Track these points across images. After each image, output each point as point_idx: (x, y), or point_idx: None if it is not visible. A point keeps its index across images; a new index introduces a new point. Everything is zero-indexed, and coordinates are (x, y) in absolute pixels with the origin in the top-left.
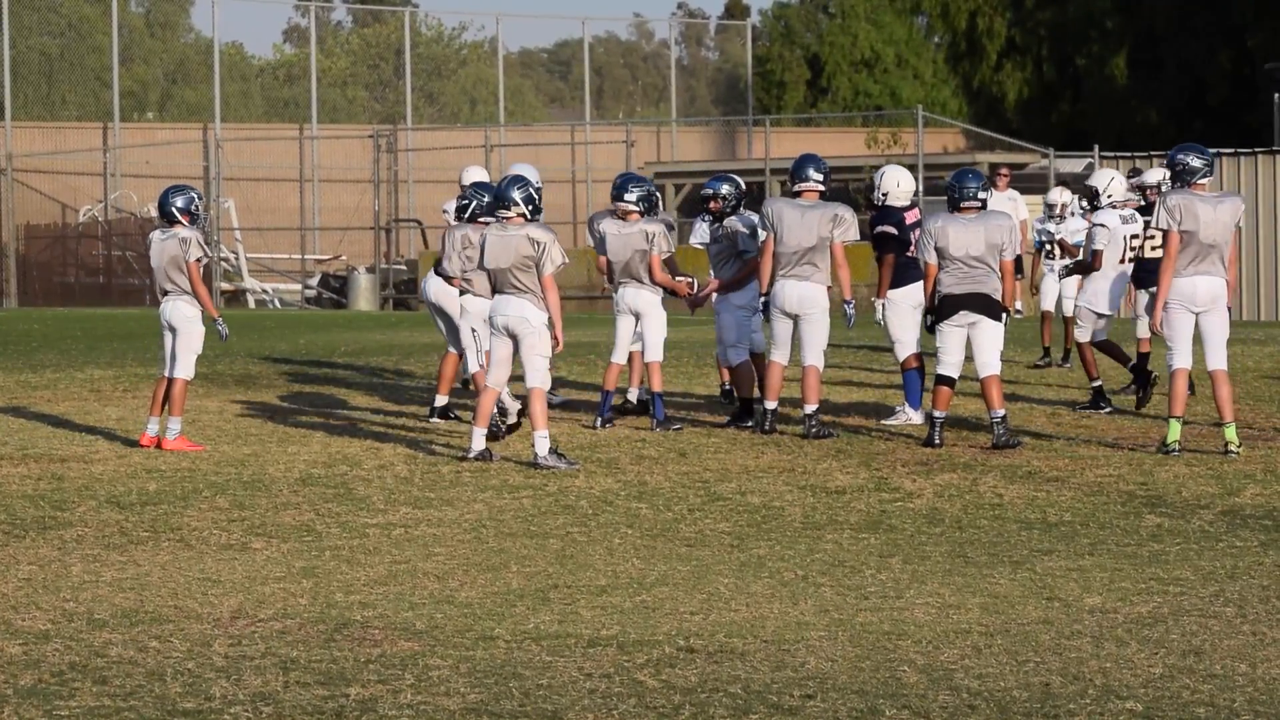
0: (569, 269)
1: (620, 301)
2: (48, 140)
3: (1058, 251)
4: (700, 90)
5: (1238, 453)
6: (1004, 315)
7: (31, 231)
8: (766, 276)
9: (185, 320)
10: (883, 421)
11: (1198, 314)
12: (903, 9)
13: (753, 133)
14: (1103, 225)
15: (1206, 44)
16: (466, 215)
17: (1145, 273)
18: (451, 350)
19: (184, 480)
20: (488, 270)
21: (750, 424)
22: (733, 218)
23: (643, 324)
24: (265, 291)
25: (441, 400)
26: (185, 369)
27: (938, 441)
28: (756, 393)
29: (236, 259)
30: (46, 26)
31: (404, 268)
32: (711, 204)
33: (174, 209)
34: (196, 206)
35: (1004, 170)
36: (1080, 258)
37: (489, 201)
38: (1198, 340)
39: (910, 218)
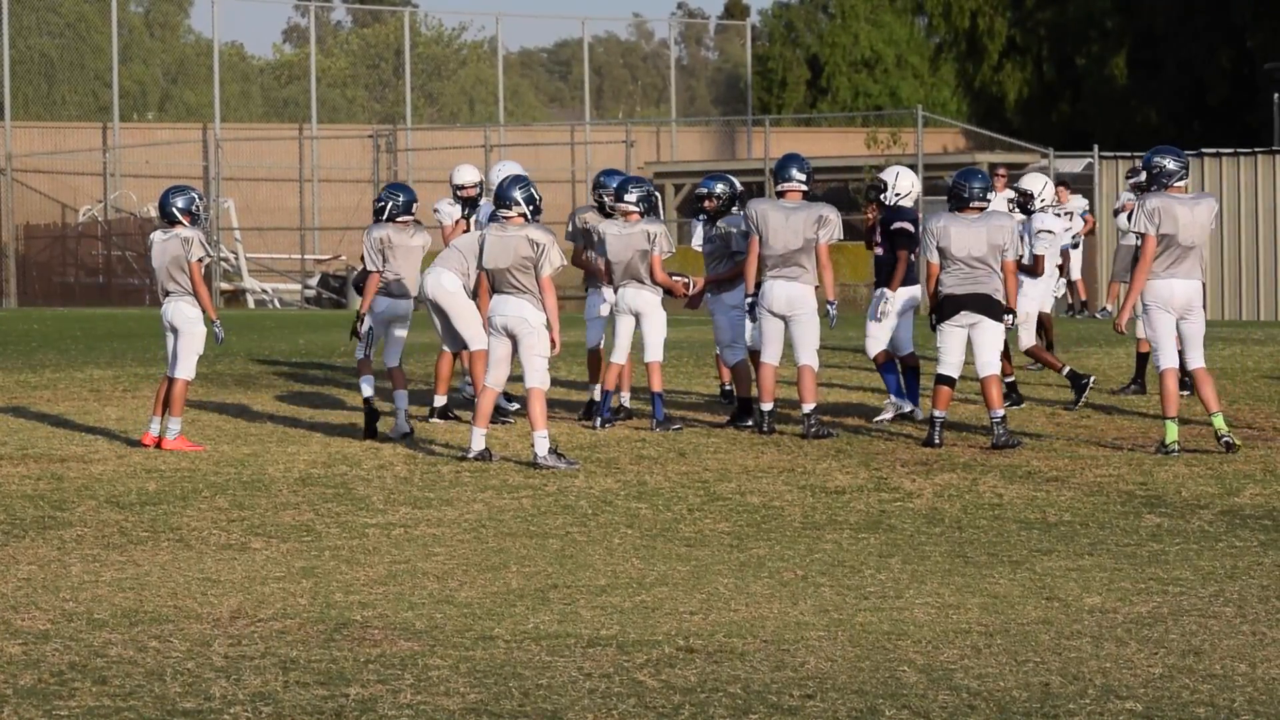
0: (567, 270)
1: (620, 302)
2: (47, 140)
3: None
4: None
5: (1230, 438)
6: (1009, 316)
7: (31, 231)
8: (752, 278)
9: (187, 321)
10: (875, 420)
11: (1178, 317)
12: (903, 9)
13: (752, 133)
14: (1049, 230)
15: (1206, 44)
16: (385, 216)
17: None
18: (446, 350)
19: (184, 480)
20: (486, 270)
21: (749, 424)
22: (727, 217)
23: (643, 324)
24: (265, 291)
25: (440, 400)
26: (186, 369)
27: (937, 441)
28: (755, 392)
29: (236, 259)
30: (46, 26)
31: None
32: (706, 203)
33: (175, 209)
34: (197, 207)
35: (1001, 171)
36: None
37: (404, 201)
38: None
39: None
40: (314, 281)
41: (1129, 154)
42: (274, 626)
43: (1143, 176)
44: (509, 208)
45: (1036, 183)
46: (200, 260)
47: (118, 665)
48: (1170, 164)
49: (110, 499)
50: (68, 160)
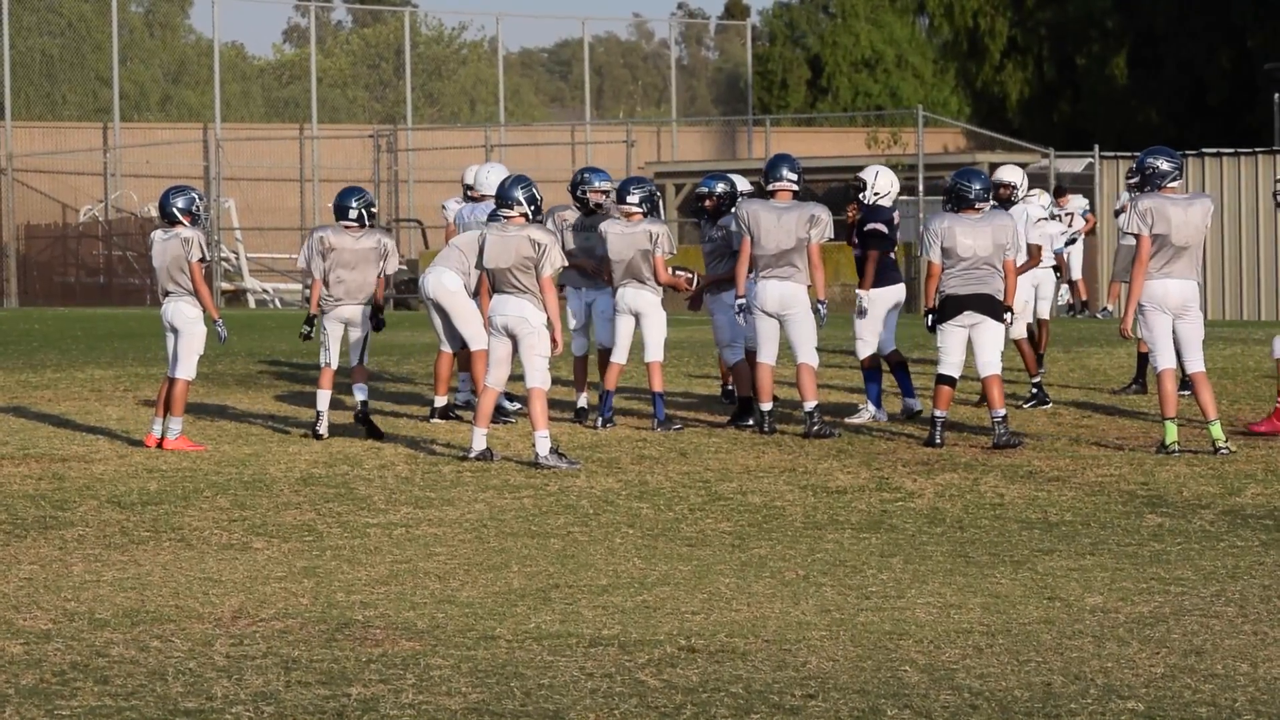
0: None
1: (620, 302)
2: (48, 140)
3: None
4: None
5: (1227, 448)
6: (1008, 315)
7: (32, 231)
8: (743, 279)
9: (187, 321)
10: (845, 419)
11: (1174, 317)
12: (904, 9)
13: (753, 133)
14: (1043, 218)
15: (1206, 44)
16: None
17: None
18: (445, 350)
19: (185, 480)
20: (487, 270)
21: (750, 423)
22: (727, 216)
23: (643, 325)
24: (266, 291)
25: (441, 401)
26: (187, 369)
27: (938, 441)
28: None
29: (237, 259)
30: (47, 26)
31: (404, 268)
32: (705, 202)
33: (175, 209)
34: (198, 207)
35: None
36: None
37: (338, 205)
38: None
39: (896, 216)
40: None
41: (1129, 154)
42: (276, 626)
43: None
44: (510, 207)
45: (1015, 174)
46: (200, 261)
47: (119, 665)
48: (1163, 164)
49: (112, 499)
50: (68, 160)
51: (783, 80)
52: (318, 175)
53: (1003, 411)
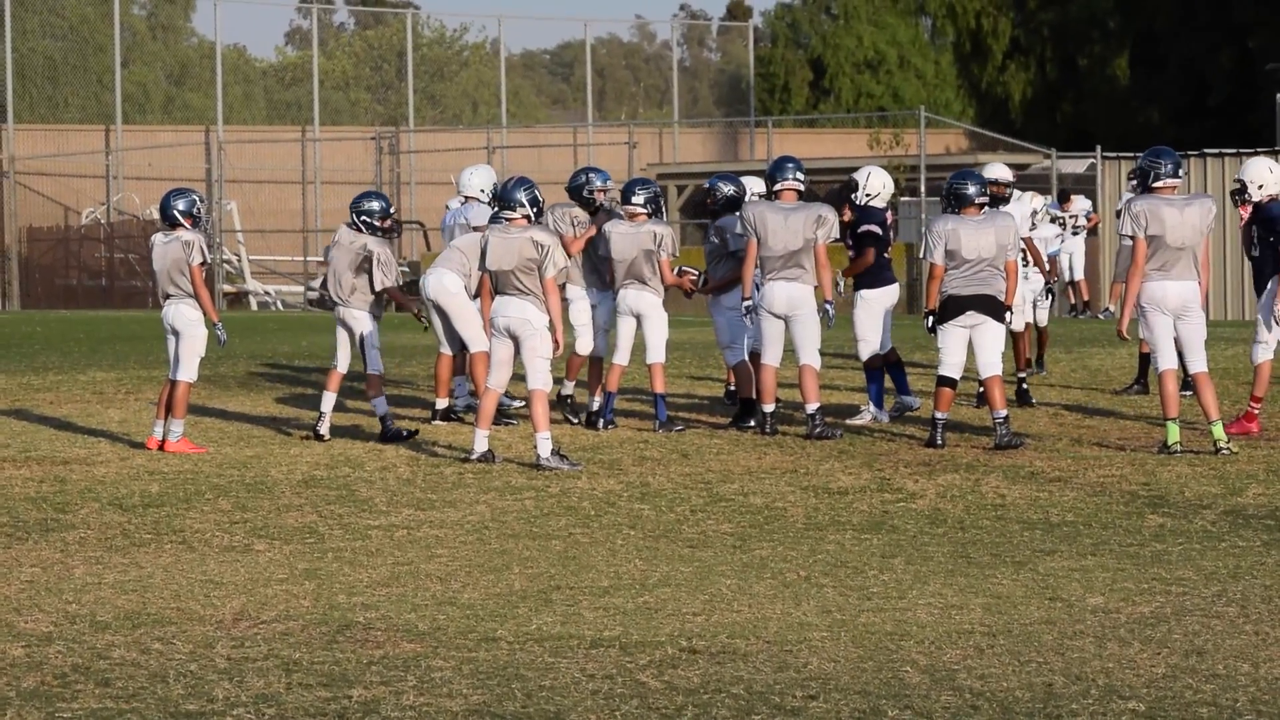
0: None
1: (621, 303)
2: (50, 143)
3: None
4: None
5: (1228, 449)
6: (1008, 314)
7: (34, 234)
8: (750, 281)
9: (188, 323)
10: (847, 421)
11: (1175, 318)
12: (906, 10)
13: (755, 134)
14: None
15: (1208, 44)
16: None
17: None
18: (445, 351)
19: (186, 482)
20: (489, 272)
21: (752, 424)
22: (727, 218)
23: (644, 326)
24: (268, 293)
25: (442, 403)
26: (188, 372)
27: (940, 442)
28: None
29: (239, 261)
30: (49, 29)
31: (406, 269)
32: (708, 200)
33: (176, 212)
34: (198, 209)
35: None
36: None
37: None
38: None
39: (890, 216)
40: (316, 283)
41: (1131, 154)
42: (277, 628)
43: (987, 170)
44: (512, 209)
45: (1006, 171)
46: (201, 264)
47: (121, 667)
48: (1160, 166)
49: (113, 501)
50: (70, 163)
51: (786, 85)
52: (320, 177)
53: (1004, 412)
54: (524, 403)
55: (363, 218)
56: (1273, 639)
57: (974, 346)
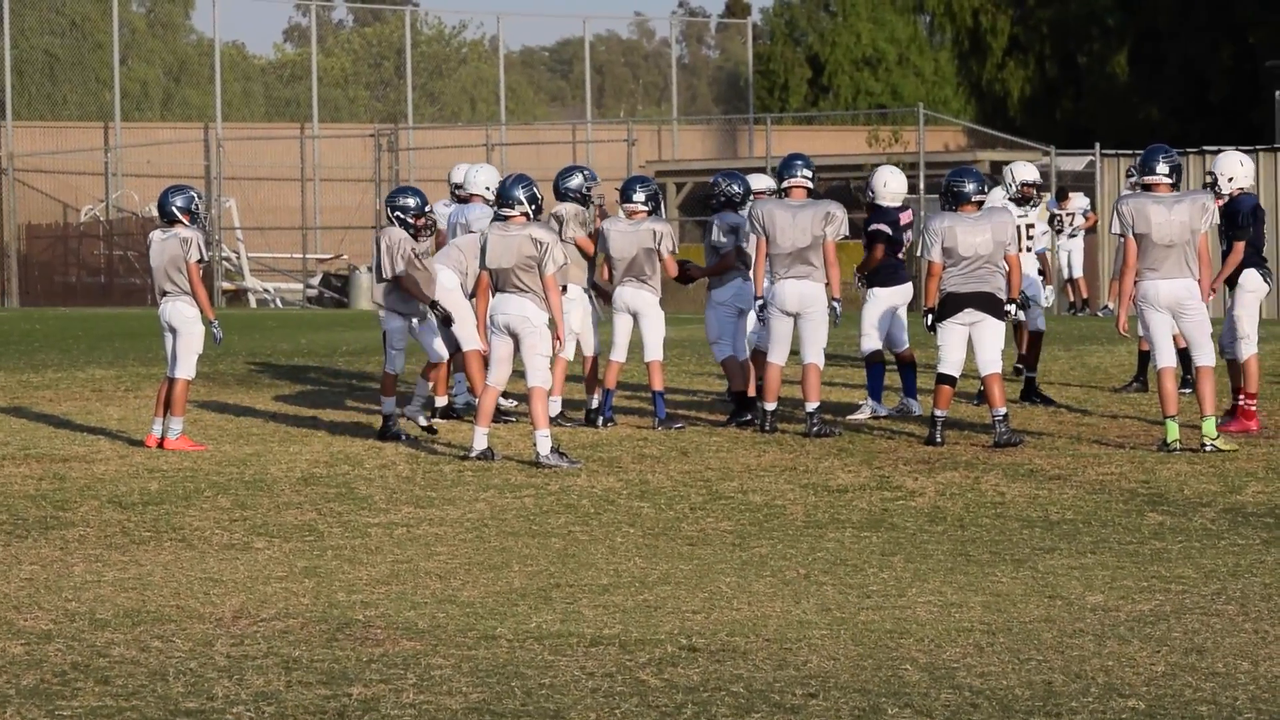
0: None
1: (618, 300)
2: (49, 140)
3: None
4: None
5: (1214, 446)
6: (1014, 307)
7: (33, 231)
8: (761, 279)
9: (185, 321)
10: (847, 417)
11: (1174, 315)
12: (904, 7)
13: (754, 131)
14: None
15: (1208, 41)
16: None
17: None
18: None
19: (186, 480)
20: (489, 270)
21: (748, 418)
22: (725, 214)
23: (641, 324)
24: (267, 291)
25: (441, 401)
26: (186, 369)
27: (939, 440)
28: (753, 389)
29: (238, 258)
30: (48, 26)
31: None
32: (710, 199)
33: (174, 209)
34: (196, 206)
35: None
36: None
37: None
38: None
39: (905, 217)
40: (316, 281)
41: (1131, 152)
42: (276, 626)
43: (1012, 171)
44: (512, 207)
45: (1034, 173)
46: (198, 262)
47: (120, 665)
48: (1152, 164)
49: (113, 499)
50: (69, 160)
51: (785, 83)
52: (318, 175)
53: (1004, 410)
54: (519, 402)
55: (396, 213)
56: (1272, 637)
57: (973, 344)
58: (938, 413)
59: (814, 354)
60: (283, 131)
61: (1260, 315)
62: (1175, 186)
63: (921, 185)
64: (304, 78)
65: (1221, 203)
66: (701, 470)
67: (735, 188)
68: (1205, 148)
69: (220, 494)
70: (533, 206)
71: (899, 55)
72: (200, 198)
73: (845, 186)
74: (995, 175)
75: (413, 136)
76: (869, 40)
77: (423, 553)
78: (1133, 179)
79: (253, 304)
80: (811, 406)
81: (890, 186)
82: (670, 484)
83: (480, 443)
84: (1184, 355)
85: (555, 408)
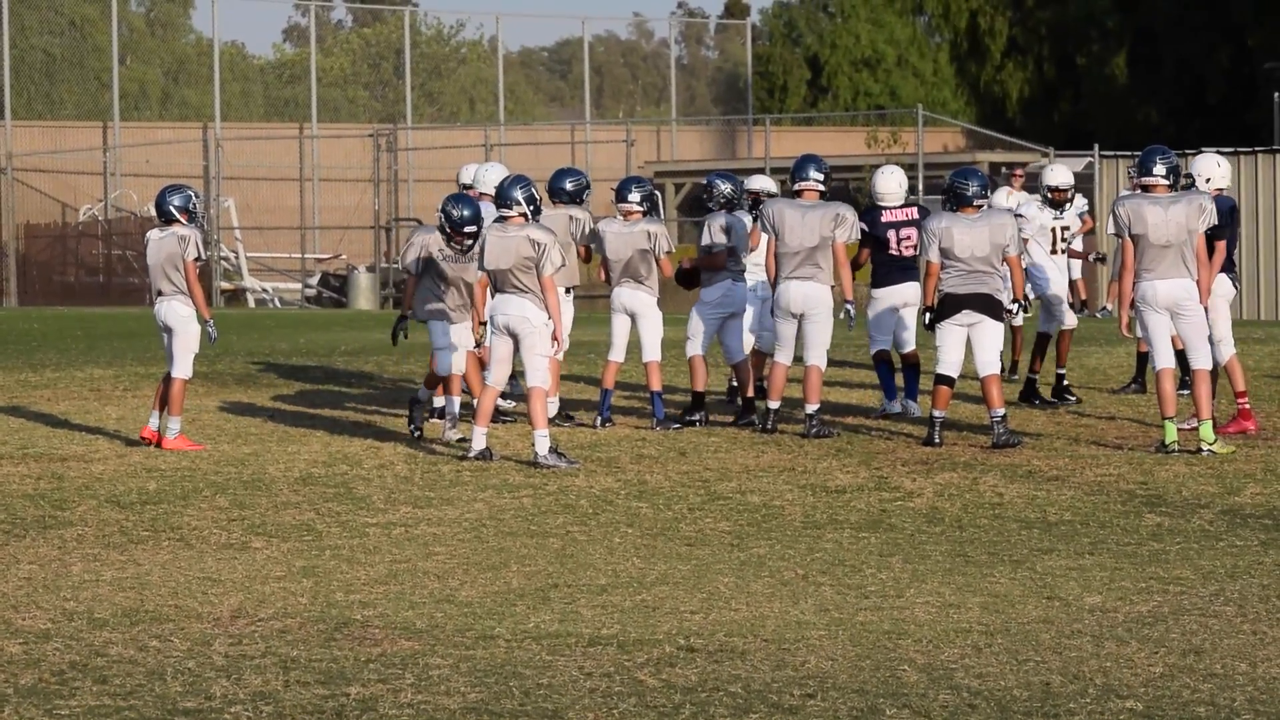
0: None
1: (615, 301)
2: (48, 139)
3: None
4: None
5: (1211, 450)
6: (1016, 306)
7: (31, 231)
8: (773, 278)
9: (181, 320)
10: (874, 415)
11: (1172, 316)
12: (903, 9)
13: (753, 132)
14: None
15: (1206, 43)
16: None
17: None
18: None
19: (184, 479)
20: (488, 271)
21: (695, 420)
22: (716, 214)
23: (639, 325)
24: (265, 291)
25: (439, 401)
26: (183, 368)
27: (937, 441)
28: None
29: (236, 258)
30: (47, 26)
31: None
32: (705, 196)
33: (171, 208)
34: (194, 205)
35: (1019, 171)
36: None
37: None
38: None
39: (899, 215)
40: (314, 281)
41: (1129, 153)
42: (274, 626)
43: (1045, 176)
44: (510, 207)
45: (1067, 176)
46: (195, 260)
47: (118, 664)
48: (1150, 165)
49: (111, 498)
50: (68, 159)
51: (784, 84)
52: (317, 174)
53: (1002, 411)
54: (518, 402)
55: (440, 215)
56: (1270, 638)
57: (972, 345)
58: (936, 413)
59: (816, 356)
60: (281, 131)
61: (1258, 316)
62: (1173, 188)
63: (920, 187)
64: (303, 78)
65: None
66: (700, 471)
67: (728, 188)
68: (1204, 149)
69: (218, 494)
70: (530, 207)
71: (898, 56)
72: (197, 197)
73: (845, 188)
74: (994, 176)
75: (411, 137)
76: (868, 41)
77: (421, 553)
78: (1134, 180)
79: (251, 304)
80: (811, 408)
81: (879, 187)
82: (668, 484)
83: (478, 443)
84: (1182, 356)
85: (553, 408)
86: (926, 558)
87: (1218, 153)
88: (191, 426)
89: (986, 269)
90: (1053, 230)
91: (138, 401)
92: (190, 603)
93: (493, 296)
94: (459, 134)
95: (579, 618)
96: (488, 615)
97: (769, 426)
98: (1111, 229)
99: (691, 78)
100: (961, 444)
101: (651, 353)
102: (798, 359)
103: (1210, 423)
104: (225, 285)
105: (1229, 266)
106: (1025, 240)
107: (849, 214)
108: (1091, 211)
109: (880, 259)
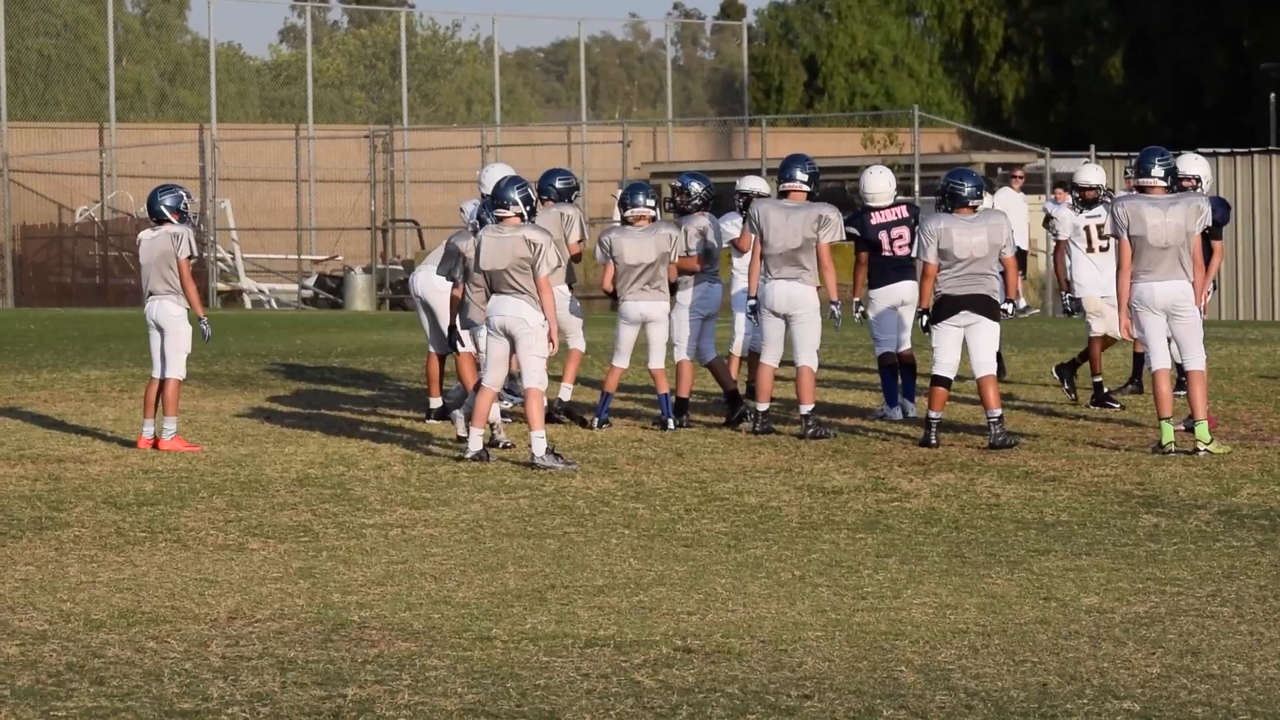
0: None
1: (633, 311)
2: (44, 140)
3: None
4: (696, 90)
5: (1208, 450)
6: (1011, 306)
7: (28, 232)
8: (756, 279)
9: (171, 320)
10: (875, 419)
11: (1168, 317)
12: (899, 10)
13: (749, 133)
14: (1055, 219)
15: (1202, 44)
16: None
17: None
18: (433, 350)
19: (181, 481)
20: (484, 271)
21: (672, 426)
22: (690, 216)
23: (651, 331)
24: (262, 292)
25: (436, 402)
26: (176, 369)
27: (934, 442)
28: (740, 395)
29: (233, 259)
30: (43, 27)
31: (400, 268)
32: (678, 198)
33: (163, 208)
34: (185, 205)
35: (1018, 172)
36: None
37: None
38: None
39: (889, 215)
40: (311, 282)
41: (1125, 154)
42: (271, 627)
43: (1080, 176)
44: (506, 208)
45: (1098, 175)
46: (189, 258)
47: (115, 666)
48: (1149, 166)
49: (107, 499)
50: (64, 160)
51: (780, 85)
52: (314, 176)
53: (998, 412)
54: (516, 402)
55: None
56: (1267, 639)
57: (968, 346)
58: (933, 414)
59: (806, 356)
60: (278, 132)
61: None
62: (1170, 189)
63: (916, 188)
64: (299, 79)
65: None
66: (696, 472)
67: (701, 188)
68: (1199, 150)
69: (215, 495)
70: (527, 208)
71: (894, 57)
72: (189, 197)
73: (840, 188)
74: (990, 177)
75: (408, 138)
76: (864, 42)
77: (418, 554)
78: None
79: (248, 305)
80: (806, 409)
81: (868, 186)
82: (665, 485)
83: (475, 444)
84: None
85: (565, 394)
86: (923, 558)
87: (1198, 154)
88: (188, 428)
89: (984, 270)
90: (1086, 229)
91: (134, 403)
92: (187, 604)
93: (488, 298)
94: (455, 135)
95: (576, 619)
96: (485, 616)
97: (760, 428)
98: (1109, 230)
99: (687, 79)
100: (958, 445)
101: (657, 359)
102: (787, 361)
103: (1206, 423)
104: (222, 286)
105: None
106: (1061, 243)
107: (833, 215)
108: None
109: (873, 260)
